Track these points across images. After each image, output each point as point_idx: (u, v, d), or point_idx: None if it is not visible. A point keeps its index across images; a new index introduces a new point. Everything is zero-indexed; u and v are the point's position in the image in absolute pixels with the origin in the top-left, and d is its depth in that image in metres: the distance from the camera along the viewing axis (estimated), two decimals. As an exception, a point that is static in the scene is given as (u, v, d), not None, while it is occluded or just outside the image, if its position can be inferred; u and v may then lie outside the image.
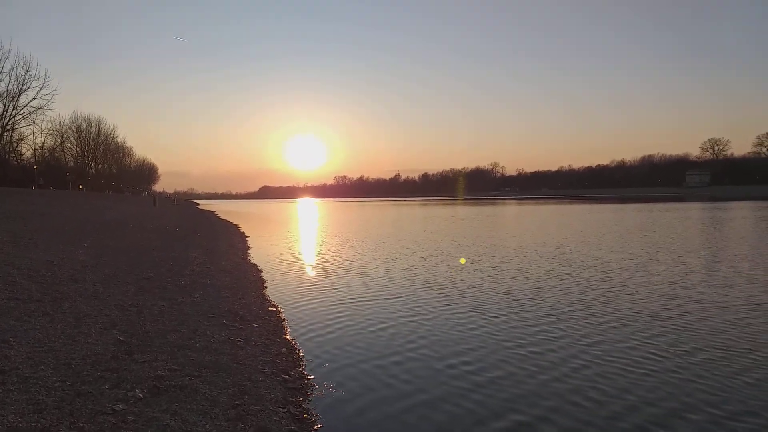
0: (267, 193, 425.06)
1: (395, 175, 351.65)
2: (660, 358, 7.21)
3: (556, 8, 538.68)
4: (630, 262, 16.38)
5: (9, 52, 74.09)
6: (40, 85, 64.84)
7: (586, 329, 8.73)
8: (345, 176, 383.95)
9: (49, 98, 66.14)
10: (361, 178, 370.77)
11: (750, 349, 7.54)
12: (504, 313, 9.98)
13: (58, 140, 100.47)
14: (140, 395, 5.14)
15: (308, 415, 5.41)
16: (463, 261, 17.00)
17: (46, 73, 71.24)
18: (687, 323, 8.99)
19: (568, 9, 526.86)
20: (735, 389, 6.10)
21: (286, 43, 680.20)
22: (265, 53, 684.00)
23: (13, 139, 78.68)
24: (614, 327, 8.84)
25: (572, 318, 9.49)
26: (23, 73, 63.01)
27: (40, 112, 67.71)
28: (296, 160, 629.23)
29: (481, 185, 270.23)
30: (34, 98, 65.40)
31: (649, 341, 8.00)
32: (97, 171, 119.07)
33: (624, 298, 11.11)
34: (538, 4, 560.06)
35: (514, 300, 11.10)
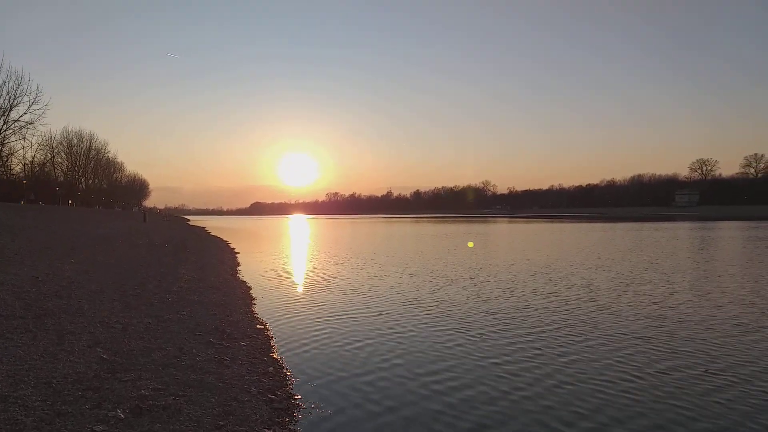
0: (258, 209, 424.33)
1: (387, 192, 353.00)
2: (638, 379, 7.18)
3: (543, 29, 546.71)
4: (616, 281, 16.37)
5: (1, 67, 73.79)
6: (32, 100, 64.54)
7: (568, 349, 8.66)
8: (337, 193, 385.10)
9: (41, 113, 65.83)
10: (353, 195, 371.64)
11: (731, 370, 7.53)
12: (489, 332, 9.88)
13: (49, 155, 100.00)
14: (122, 416, 5.03)
15: (294, 436, 5.32)
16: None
17: (38, 88, 70.87)
18: (669, 343, 8.94)
19: (556, 30, 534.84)
20: (713, 410, 6.08)
21: (277, 64, 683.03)
22: (257, 72, 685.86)
23: (3, 154, 78.20)
24: (595, 347, 8.76)
25: (555, 338, 9.41)
26: (15, 88, 62.78)
27: (31, 126, 67.41)
28: (288, 177, 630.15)
29: (473, 203, 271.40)
30: (25, 113, 65.11)
31: (629, 362, 7.95)
32: (88, 186, 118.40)
33: (608, 318, 11.02)
34: (525, 25, 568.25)
35: (497, 319, 11.00)
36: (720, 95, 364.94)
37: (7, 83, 62.32)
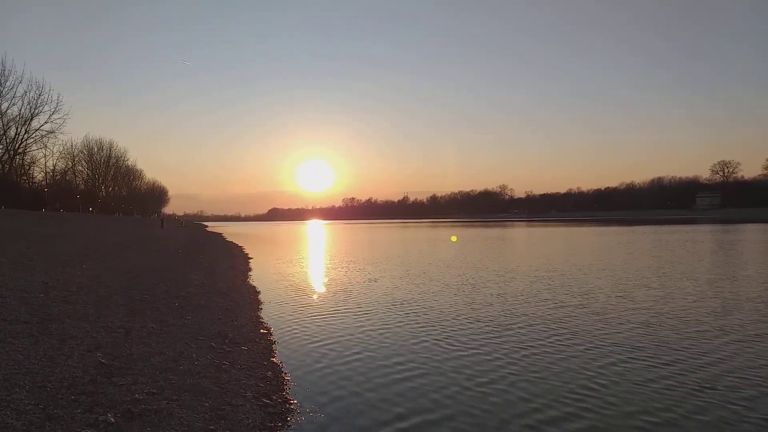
0: (276, 215, 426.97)
1: (404, 197, 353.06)
2: (605, 388, 6.93)
3: (565, 29, 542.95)
4: (619, 287, 15.82)
5: (22, 77, 75.52)
6: (53, 109, 66.25)
7: (545, 357, 8.41)
8: (353, 198, 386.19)
9: (61, 122, 67.45)
10: (369, 200, 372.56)
11: (707, 379, 7.29)
12: (473, 339, 9.71)
13: (70, 163, 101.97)
14: (112, 420, 5.03)
15: (285, 441, 5.28)
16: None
17: (58, 97, 72.80)
18: (656, 354, 8.50)
19: (577, 30, 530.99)
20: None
21: (295, 76, 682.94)
22: (274, 84, 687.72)
23: (25, 162, 79.98)
24: (575, 357, 8.42)
25: (540, 345, 9.18)
26: (36, 98, 64.41)
27: (51, 135, 69.01)
28: (305, 183, 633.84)
29: (489, 207, 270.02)
30: (46, 122, 66.74)
31: (602, 371, 7.67)
32: (108, 193, 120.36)
33: (598, 326, 10.54)
34: (546, 23, 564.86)
35: (483, 325, 10.79)
36: (742, 96, 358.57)
37: (28, 93, 63.92)
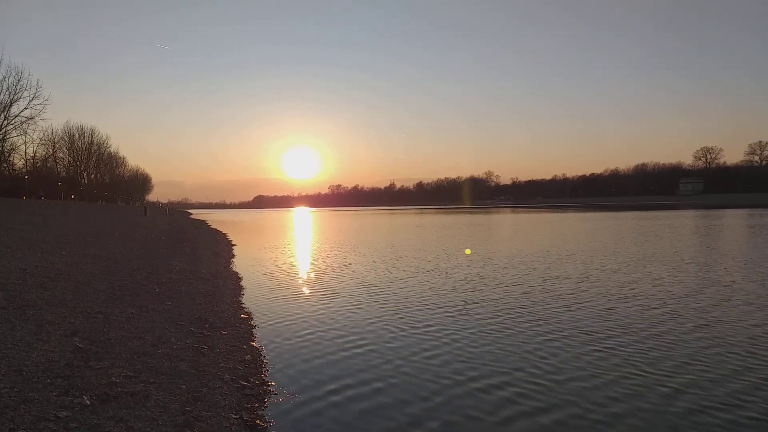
0: (261, 202, 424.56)
1: (390, 184, 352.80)
2: (552, 377, 6.90)
3: (549, 16, 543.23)
4: (589, 272, 15.75)
5: (0, 62, 73.88)
6: (32, 95, 64.88)
7: (501, 340, 8.52)
8: (339, 185, 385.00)
9: (41, 108, 66.15)
10: (355, 187, 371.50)
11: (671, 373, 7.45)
12: (438, 323, 9.83)
13: (50, 150, 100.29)
14: (87, 402, 5.06)
15: (261, 421, 5.35)
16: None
17: (38, 83, 71.33)
18: (611, 336, 8.63)
19: (557, 28, 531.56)
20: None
21: (280, 63, 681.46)
22: (259, 71, 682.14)
23: (5, 149, 78.51)
24: (531, 340, 8.50)
25: (493, 328, 9.31)
26: (15, 83, 63.04)
27: (31, 122, 67.71)
28: (291, 170, 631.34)
29: (475, 194, 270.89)
30: (25, 108, 65.41)
31: (562, 352, 7.82)
32: (90, 181, 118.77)
33: (562, 310, 10.58)
34: (532, 10, 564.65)
35: (448, 311, 10.78)
36: (724, 83, 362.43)
37: (7, 78, 62.56)
